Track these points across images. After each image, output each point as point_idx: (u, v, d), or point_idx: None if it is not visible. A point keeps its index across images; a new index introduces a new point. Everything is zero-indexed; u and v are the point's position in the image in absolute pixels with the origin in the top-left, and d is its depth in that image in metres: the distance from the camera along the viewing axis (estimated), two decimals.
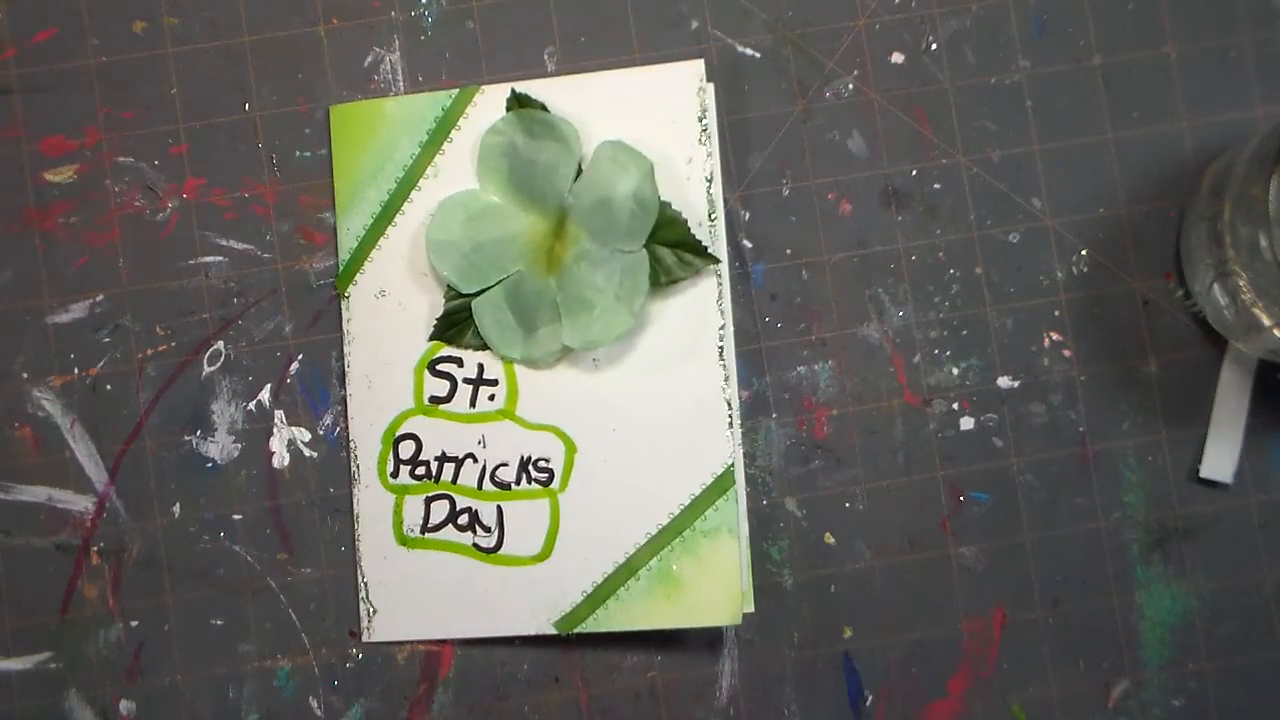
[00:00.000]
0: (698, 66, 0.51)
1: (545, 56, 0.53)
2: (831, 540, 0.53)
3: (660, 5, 0.53)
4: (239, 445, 0.53)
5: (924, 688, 0.52)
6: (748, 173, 0.53)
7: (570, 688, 0.52)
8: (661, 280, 0.51)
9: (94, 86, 0.53)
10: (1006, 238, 0.53)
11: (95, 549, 0.52)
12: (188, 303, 0.53)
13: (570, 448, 0.52)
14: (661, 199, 0.50)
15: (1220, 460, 0.52)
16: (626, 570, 0.51)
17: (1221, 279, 0.49)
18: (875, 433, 0.53)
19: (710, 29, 0.53)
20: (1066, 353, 0.53)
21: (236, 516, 0.52)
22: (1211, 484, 0.53)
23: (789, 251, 0.53)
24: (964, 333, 0.53)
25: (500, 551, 0.52)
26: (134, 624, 0.52)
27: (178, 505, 0.52)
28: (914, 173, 0.53)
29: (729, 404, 0.51)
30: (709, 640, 0.52)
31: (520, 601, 0.52)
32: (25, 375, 0.53)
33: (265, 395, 0.53)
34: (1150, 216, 0.53)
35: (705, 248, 0.51)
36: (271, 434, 0.53)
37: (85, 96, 0.53)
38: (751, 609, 0.51)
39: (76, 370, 0.53)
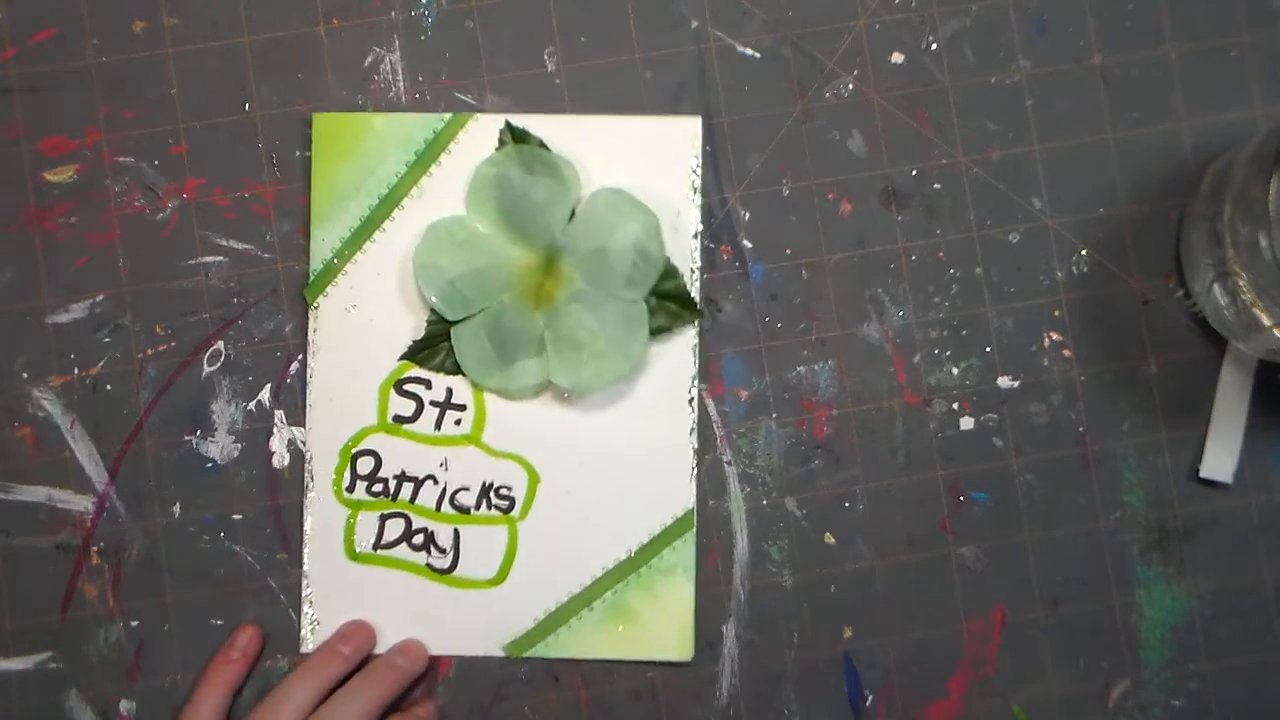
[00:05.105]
0: (694, 124, 0.52)
1: (545, 56, 0.53)
2: (831, 540, 0.53)
3: (660, 5, 0.53)
4: (239, 445, 0.53)
5: (924, 688, 0.52)
6: (748, 173, 0.53)
7: (570, 688, 0.52)
8: (666, 330, 0.52)
9: (94, 86, 0.53)
10: (1006, 238, 0.53)
11: (95, 549, 0.52)
12: (188, 303, 0.53)
13: (534, 478, 0.52)
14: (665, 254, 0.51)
15: (1220, 460, 0.52)
16: (581, 600, 0.52)
17: (1221, 279, 0.49)
18: (875, 433, 0.53)
19: (710, 29, 0.53)
20: (1066, 353, 0.53)
21: (236, 516, 0.52)
22: (1211, 484, 0.53)
23: (789, 251, 0.53)
24: (964, 333, 0.53)
25: (454, 573, 0.52)
26: (134, 624, 0.52)
27: (178, 505, 0.52)
28: (914, 173, 0.53)
29: (695, 448, 0.52)
30: (709, 640, 0.52)
31: (471, 623, 0.52)
32: (25, 375, 0.53)
33: (265, 395, 0.53)
34: (1150, 216, 0.53)
35: (695, 302, 0.52)
36: (271, 434, 0.53)
37: (85, 96, 0.53)
38: (691, 655, 0.52)
39: (76, 370, 0.53)
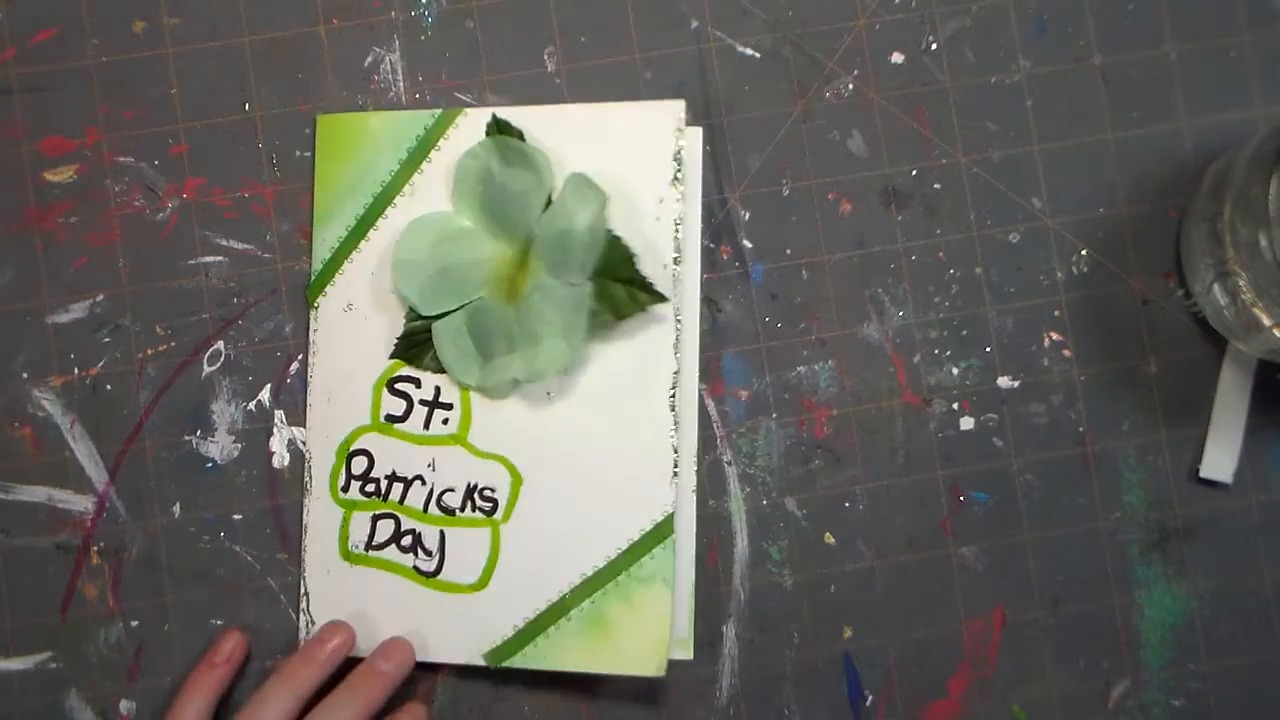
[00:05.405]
0: (678, 107, 0.51)
1: (545, 56, 0.53)
2: (831, 540, 0.53)
3: (660, 5, 0.53)
4: (239, 445, 0.53)
5: (924, 688, 0.52)
6: (748, 173, 0.53)
7: (570, 688, 0.52)
8: (610, 316, 0.49)
9: (94, 86, 0.53)
10: (1006, 238, 0.53)
11: (95, 549, 0.52)
12: (188, 303, 0.53)
13: (516, 479, 0.52)
14: (616, 234, 0.49)
15: (1220, 460, 0.52)
16: (559, 609, 0.51)
17: (1221, 279, 0.49)
18: (875, 433, 0.53)
19: (710, 29, 0.53)
20: (1066, 353, 0.53)
21: (236, 516, 0.52)
22: (1211, 484, 0.53)
23: (789, 251, 0.53)
24: (964, 333, 0.53)
25: (439, 577, 0.52)
26: (134, 624, 0.52)
27: (178, 505, 0.52)
28: (914, 173, 0.53)
29: (675, 450, 0.50)
30: (709, 640, 0.52)
31: (454, 630, 0.51)
32: (25, 375, 0.53)
33: (265, 395, 0.53)
34: (1150, 216, 0.53)
35: (652, 285, 0.49)
36: (271, 434, 0.53)
37: (85, 96, 0.53)
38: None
39: (76, 370, 0.53)
